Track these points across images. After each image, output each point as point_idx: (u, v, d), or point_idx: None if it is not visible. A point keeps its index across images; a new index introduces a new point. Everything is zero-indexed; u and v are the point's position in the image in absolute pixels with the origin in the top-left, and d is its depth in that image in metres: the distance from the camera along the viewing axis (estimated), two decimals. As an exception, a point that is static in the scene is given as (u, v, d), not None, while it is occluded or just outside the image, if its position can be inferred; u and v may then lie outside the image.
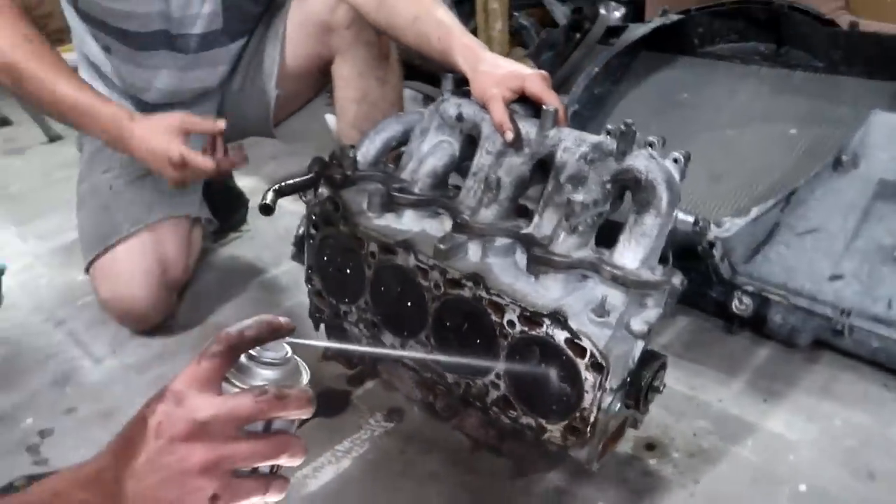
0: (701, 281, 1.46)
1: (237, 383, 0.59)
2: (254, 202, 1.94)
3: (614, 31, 2.05)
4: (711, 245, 1.34)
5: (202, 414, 0.55)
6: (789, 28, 1.72)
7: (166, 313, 1.52)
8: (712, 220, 1.36)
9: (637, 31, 1.89)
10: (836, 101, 1.56)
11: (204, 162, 1.27)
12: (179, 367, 1.45)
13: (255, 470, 0.59)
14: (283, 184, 1.16)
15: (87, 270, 1.52)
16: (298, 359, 0.65)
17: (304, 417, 0.61)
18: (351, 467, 1.15)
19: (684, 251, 1.42)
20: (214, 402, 0.56)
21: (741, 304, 1.38)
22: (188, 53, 1.46)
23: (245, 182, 2.07)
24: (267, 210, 1.13)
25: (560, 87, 2.11)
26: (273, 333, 0.60)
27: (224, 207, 1.86)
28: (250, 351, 0.60)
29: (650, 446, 1.17)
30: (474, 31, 2.62)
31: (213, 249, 1.84)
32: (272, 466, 0.61)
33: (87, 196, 1.55)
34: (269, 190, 1.14)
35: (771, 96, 1.66)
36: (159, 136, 1.25)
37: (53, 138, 2.80)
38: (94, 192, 1.53)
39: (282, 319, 0.61)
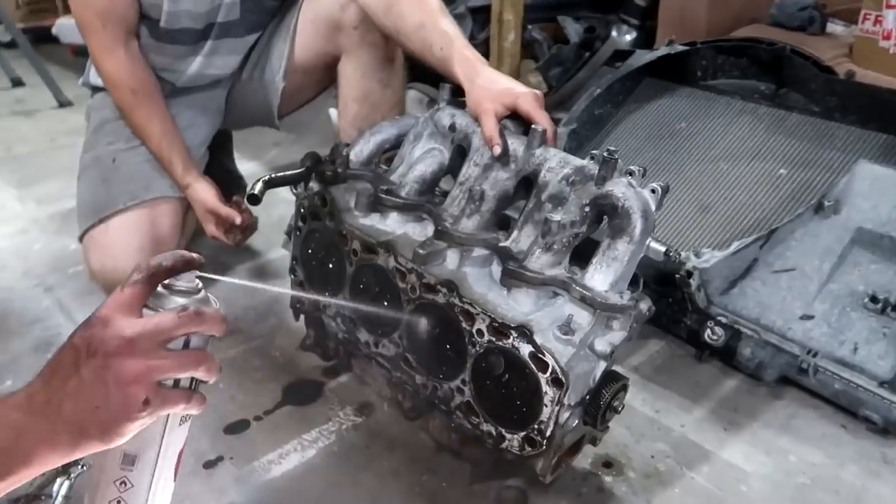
0: (677, 308, 1.50)
1: (155, 308, 0.66)
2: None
3: (622, 55, 2.08)
4: (689, 274, 1.37)
5: (130, 331, 0.62)
6: (790, 71, 1.75)
7: (154, 290, 1.54)
8: (693, 251, 1.40)
9: (643, 57, 1.92)
10: (828, 146, 1.60)
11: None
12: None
13: (177, 384, 0.66)
14: (273, 175, 1.19)
15: (80, 239, 1.55)
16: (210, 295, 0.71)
17: (219, 335, 0.68)
18: (316, 457, 1.18)
19: (663, 277, 1.46)
20: (139, 322, 0.63)
21: (713, 335, 1.41)
22: (207, 41, 1.50)
23: (245, 167, 2.10)
24: (254, 200, 1.17)
25: (564, 104, 2.15)
26: (186, 265, 0.67)
27: (222, 191, 1.88)
28: (165, 282, 0.67)
29: (608, 464, 1.20)
30: (487, 41, 2.66)
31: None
32: (192, 382, 0.68)
33: (89, 166, 1.58)
34: (258, 180, 1.18)
35: (766, 135, 1.69)
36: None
37: (64, 103, 2.83)
38: (97, 162, 1.56)
39: (194, 254, 0.68)
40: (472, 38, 2.80)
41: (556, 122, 1.94)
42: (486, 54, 2.67)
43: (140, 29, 1.48)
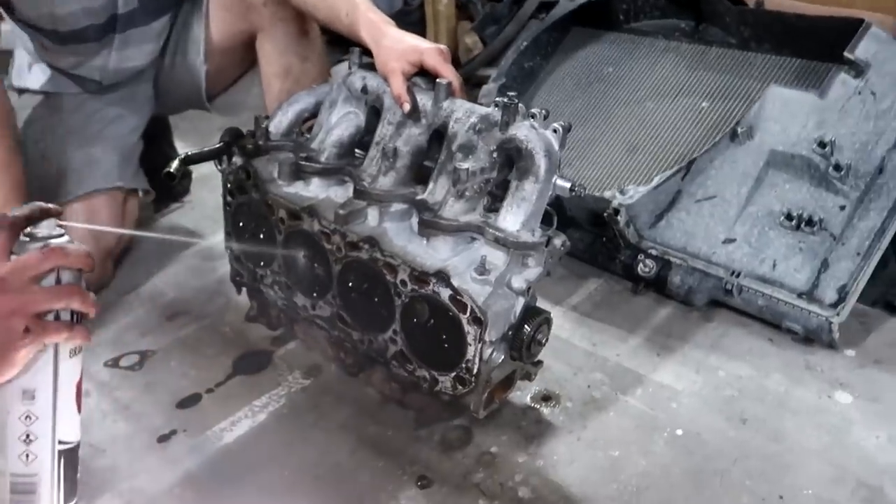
0: (611, 246, 1.55)
1: (20, 254, 0.73)
2: (196, 174, 2.00)
3: (548, 7, 2.10)
4: (616, 211, 1.42)
5: (0, 272, 0.69)
6: (706, 6, 1.78)
7: (101, 280, 1.57)
8: (617, 188, 1.45)
9: (567, 6, 1.95)
10: (746, 76, 1.64)
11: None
12: (114, 331, 1.51)
13: (58, 318, 0.73)
14: (190, 153, 1.22)
15: (22, 238, 1.57)
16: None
17: (86, 269, 0.75)
18: (266, 420, 1.23)
19: (595, 218, 1.51)
20: (7, 264, 0.70)
21: (645, 267, 1.47)
22: (114, 34, 1.51)
23: (189, 154, 2.11)
24: (169, 177, 1.20)
25: (496, 60, 2.18)
26: (43, 214, 0.74)
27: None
28: (28, 231, 0.73)
29: (546, 398, 1.26)
30: (422, 6, 2.67)
31: (154, 219, 1.90)
32: (73, 316, 0.75)
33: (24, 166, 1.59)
34: (175, 158, 1.20)
35: (688, 71, 1.73)
36: None
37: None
38: (28, 161, 1.57)
39: (51, 205, 0.75)
40: (406, 4, 2.80)
41: (485, 78, 1.97)
42: (421, 18, 2.69)
43: (39, 41, 1.48)
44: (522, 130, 1.06)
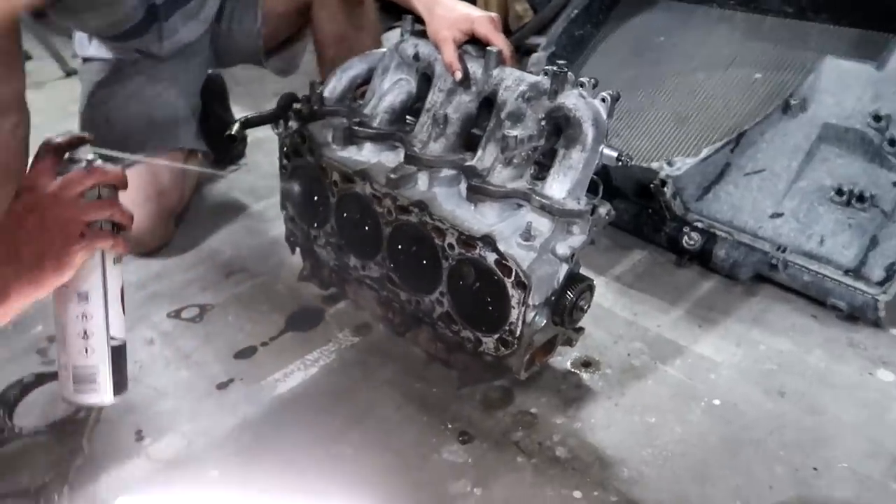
0: (657, 218, 1.56)
1: (65, 173, 0.82)
2: (251, 138, 2.06)
3: (601, -26, 2.08)
4: (663, 183, 1.43)
5: (53, 187, 0.80)
6: (765, -27, 1.75)
7: (163, 239, 1.66)
8: (665, 160, 1.45)
9: (621, -27, 1.93)
10: (801, 46, 1.61)
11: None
12: (175, 285, 1.59)
13: (101, 228, 0.84)
14: (249, 116, 1.27)
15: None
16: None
17: (121, 187, 0.85)
18: (317, 374, 1.30)
19: (642, 189, 1.52)
20: (57, 181, 0.81)
21: (690, 240, 1.48)
22: (160, 22, 1.57)
23: (244, 118, 2.17)
24: (231, 139, 1.25)
25: (546, 28, 2.17)
26: (79, 140, 0.84)
27: (217, 138, 1.97)
28: (68, 156, 0.83)
29: (586, 363, 1.29)
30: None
31: (212, 181, 1.97)
32: (114, 228, 0.85)
33: (87, 128, 1.68)
34: (235, 121, 1.26)
35: (742, 41, 1.71)
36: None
37: (69, 73, 2.92)
38: (92, 126, 1.66)
39: (84, 133, 0.85)
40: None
41: (535, 46, 1.97)
42: (472, -14, 2.68)
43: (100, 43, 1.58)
44: (571, 99, 1.07)
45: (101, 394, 0.90)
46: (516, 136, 1.07)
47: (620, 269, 1.56)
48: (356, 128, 1.23)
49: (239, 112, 2.15)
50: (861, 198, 1.33)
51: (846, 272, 1.32)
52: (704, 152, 1.42)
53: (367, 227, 1.23)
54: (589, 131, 1.05)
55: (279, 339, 1.39)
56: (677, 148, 1.63)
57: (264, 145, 2.10)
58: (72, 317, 0.86)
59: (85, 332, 0.87)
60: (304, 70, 2.05)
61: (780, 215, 1.41)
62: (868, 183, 1.35)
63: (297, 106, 1.28)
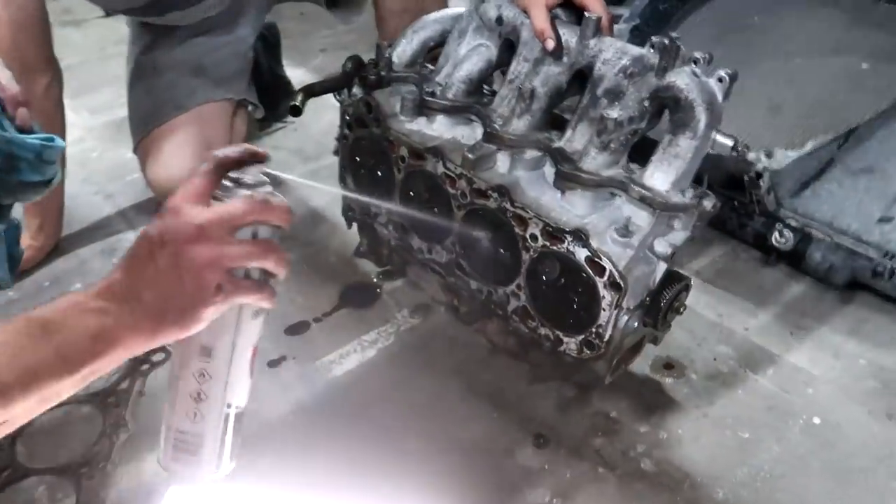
0: (743, 212, 1.44)
1: (223, 200, 0.65)
2: (301, 95, 1.95)
3: (689, -58, 1.93)
4: (759, 175, 1.31)
5: (200, 218, 0.62)
6: (879, -49, 1.60)
7: (209, 195, 1.56)
8: (763, 150, 1.33)
9: (713, -57, 1.78)
10: (918, 36, 1.47)
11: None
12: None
13: (247, 276, 0.66)
14: (313, 84, 1.15)
15: (134, 150, 1.56)
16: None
17: (285, 226, 0.67)
18: (376, 357, 1.20)
19: (729, 179, 1.39)
20: (209, 209, 0.63)
21: (781, 238, 1.36)
22: None
23: (293, 73, 2.06)
24: (295, 111, 1.13)
25: (624, -1, 2.02)
26: (252, 157, 0.67)
27: (271, 96, 1.86)
28: (231, 174, 0.66)
29: (669, 366, 1.18)
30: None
31: (258, 137, 1.86)
32: (262, 274, 0.67)
33: (133, 77, 1.57)
34: (298, 91, 1.14)
35: (848, 26, 1.57)
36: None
37: (110, 13, 2.80)
38: (139, 72, 1.55)
39: (260, 149, 0.67)
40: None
41: (616, 18, 1.83)
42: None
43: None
44: (683, 78, 0.94)
45: (203, 468, 0.72)
46: (616, 118, 0.95)
47: (700, 263, 1.44)
48: (428, 98, 1.10)
49: (287, 67, 2.04)
50: (982, 207, 1.21)
51: (962, 287, 1.20)
52: (809, 145, 1.29)
53: (436, 209, 1.11)
54: (702, 116, 0.93)
55: (333, 316, 1.29)
56: (769, 138, 1.49)
57: (312, 103, 1.96)
58: (188, 372, 0.70)
59: (199, 394, 0.70)
60: (365, 26, 1.92)
61: (889, 220, 1.28)
62: None
63: (363, 71, 1.15)
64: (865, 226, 1.29)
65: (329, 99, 1.39)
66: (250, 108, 1.66)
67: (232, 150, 0.66)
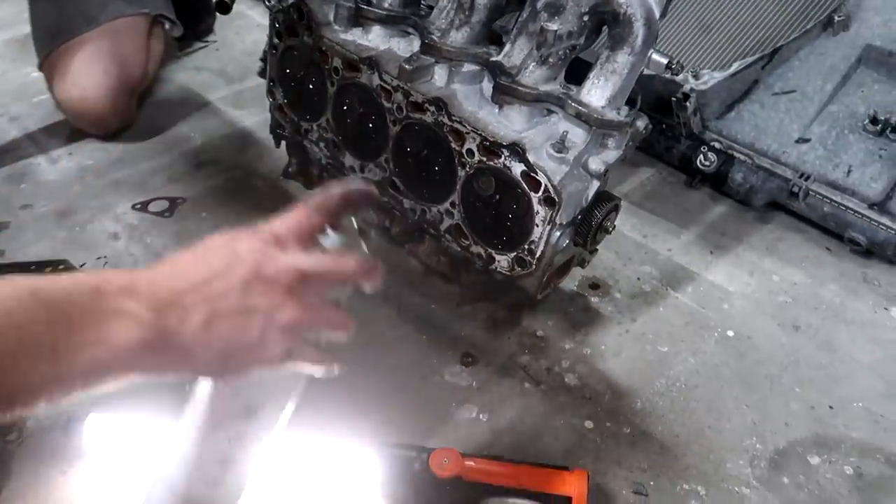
0: (670, 134, 1.46)
1: (325, 247, 0.60)
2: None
3: None
4: (686, 97, 1.32)
5: (306, 265, 0.55)
6: None
7: (125, 118, 1.47)
8: (690, 71, 1.34)
9: None
10: (845, -44, 1.48)
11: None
12: (140, 174, 1.43)
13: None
14: (242, -19, 1.08)
15: (40, 67, 1.45)
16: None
17: (370, 291, 0.62)
18: (305, 281, 1.18)
19: (658, 101, 1.40)
20: (317, 258, 0.57)
21: (706, 160, 1.39)
22: None
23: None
24: (223, 7, 1.07)
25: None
26: (366, 197, 0.63)
27: (191, 13, 1.75)
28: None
29: (595, 286, 1.21)
30: None
31: (177, 58, 1.76)
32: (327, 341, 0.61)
33: None
34: None
35: (777, -55, 1.56)
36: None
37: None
38: None
39: (373, 188, 0.64)
40: None
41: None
42: None
43: None
44: (622, -7, 0.93)
45: None
46: (555, 31, 0.93)
47: (628, 186, 1.46)
48: (364, 7, 1.06)
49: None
50: None
51: (871, 206, 1.26)
52: (735, 66, 1.31)
53: (370, 124, 1.08)
54: (640, 31, 0.92)
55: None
56: (700, 58, 1.50)
57: (234, 22, 1.87)
58: (219, 433, 0.61)
59: (225, 458, 0.61)
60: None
61: (806, 141, 1.32)
62: (904, 113, 1.27)
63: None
64: (784, 146, 1.33)
65: (253, 17, 1.32)
66: (168, 25, 1.56)
67: (347, 190, 0.61)
